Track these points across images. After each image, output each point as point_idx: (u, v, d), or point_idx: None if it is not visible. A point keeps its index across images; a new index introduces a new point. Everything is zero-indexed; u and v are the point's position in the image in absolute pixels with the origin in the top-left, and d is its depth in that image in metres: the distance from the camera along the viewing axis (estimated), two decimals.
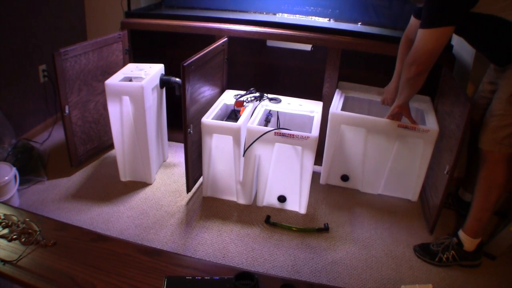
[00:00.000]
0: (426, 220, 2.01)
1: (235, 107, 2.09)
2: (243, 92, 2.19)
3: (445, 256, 1.74)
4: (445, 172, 1.77)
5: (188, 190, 2.05)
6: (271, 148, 1.90)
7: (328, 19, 2.52)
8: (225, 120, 2.11)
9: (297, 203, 2.02)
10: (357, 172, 2.17)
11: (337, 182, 2.24)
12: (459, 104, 1.75)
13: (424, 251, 1.79)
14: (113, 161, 2.27)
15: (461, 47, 2.17)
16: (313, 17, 2.54)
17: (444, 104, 2.01)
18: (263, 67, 2.70)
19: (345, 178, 2.21)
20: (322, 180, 2.26)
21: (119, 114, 2.03)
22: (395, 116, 1.97)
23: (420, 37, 1.59)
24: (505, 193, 2.13)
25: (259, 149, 1.91)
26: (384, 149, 2.05)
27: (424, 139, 1.96)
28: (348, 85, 2.35)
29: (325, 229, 1.92)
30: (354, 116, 2.03)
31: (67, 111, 2.11)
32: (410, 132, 1.96)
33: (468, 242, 1.72)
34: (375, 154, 2.08)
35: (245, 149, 1.92)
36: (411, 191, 2.14)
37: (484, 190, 1.68)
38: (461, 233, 1.75)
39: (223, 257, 1.73)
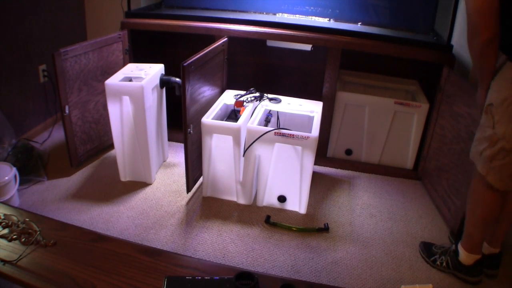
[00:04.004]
0: (446, 222, 1.99)
1: (235, 107, 2.09)
2: (243, 92, 2.19)
3: (440, 259, 1.71)
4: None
5: (188, 190, 2.05)
6: (271, 148, 1.90)
7: (328, 19, 2.52)
8: (225, 120, 2.11)
9: (297, 203, 2.02)
10: (360, 146, 2.42)
11: (342, 156, 2.47)
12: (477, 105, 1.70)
13: (425, 248, 1.79)
14: (113, 161, 2.27)
15: (461, 47, 2.17)
16: (313, 17, 2.54)
17: (453, 105, 1.99)
18: (263, 67, 2.70)
19: (349, 152, 2.45)
20: (329, 154, 2.48)
21: (119, 114, 2.03)
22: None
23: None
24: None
25: (259, 149, 1.91)
26: (383, 124, 2.32)
27: (417, 113, 2.25)
28: (346, 72, 2.56)
29: (325, 229, 1.92)
30: (357, 95, 2.30)
31: (67, 111, 2.11)
32: (405, 108, 2.24)
33: (463, 254, 1.65)
34: (375, 129, 2.35)
35: (245, 149, 1.92)
36: (407, 160, 2.39)
37: (471, 204, 1.59)
38: (459, 243, 1.68)
39: (223, 257, 1.73)
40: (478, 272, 1.66)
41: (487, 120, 1.44)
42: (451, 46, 2.16)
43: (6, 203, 1.62)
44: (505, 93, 1.36)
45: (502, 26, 1.32)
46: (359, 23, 2.47)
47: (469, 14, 1.32)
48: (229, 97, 2.20)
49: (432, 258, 1.74)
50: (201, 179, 2.16)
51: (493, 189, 1.50)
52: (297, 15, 2.55)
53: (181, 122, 1.85)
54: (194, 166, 2.06)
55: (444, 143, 2.08)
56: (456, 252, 1.68)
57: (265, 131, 1.85)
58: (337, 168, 2.44)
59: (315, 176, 2.25)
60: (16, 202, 1.96)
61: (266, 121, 2.11)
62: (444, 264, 1.70)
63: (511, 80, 1.35)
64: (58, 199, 2.03)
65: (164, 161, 2.41)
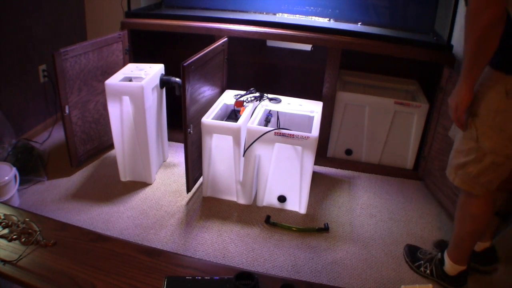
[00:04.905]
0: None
1: (235, 107, 2.08)
2: (243, 92, 2.19)
3: (424, 266, 1.68)
4: None
5: (188, 190, 2.05)
6: (271, 148, 1.90)
7: (328, 19, 2.52)
8: (225, 120, 2.11)
9: (297, 203, 2.02)
10: (360, 146, 2.42)
11: (342, 156, 2.47)
12: None
13: (410, 252, 1.76)
14: (113, 161, 2.27)
15: (461, 47, 2.17)
16: (313, 17, 2.54)
17: None
18: (263, 67, 2.70)
19: (349, 152, 2.45)
20: (329, 154, 2.48)
21: (119, 114, 2.03)
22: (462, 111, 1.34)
23: None
24: (505, 193, 2.10)
25: (259, 149, 1.91)
26: (383, 124, 2.32)
27: (417, 113, 2.25)
28: (346, 72, 2.57)
29: (325, 229, 1.92)
30: (357, 96, 2.31)
31: (67, 111, 2.11)
32: (405, 108, 2.25)
33: (448, 264, 1.60)
34: (375, 129, 2.34)
35: (245, 149, 1.92)
36: (407, 160, 2.39)
37: (459, 218, 1.54)
38: (445, 252, 1.64)
39: (223, 257, 1.73)
40: (461, 283, 1.62)
41: (469, 133, 1.36)
42: (451, 46, 2.16)
43: (6, 203, 1.62)
44: (493, 105, 1.28)
45: None
46: (359, 23, 2.47)
47: None
48: (229, 97, 2.20)
49: (417, 264, 1.70)
50: (201, 179, 2.16)
51: (481, 203, 1.45)
52: (297, 15, 2.55)
53: (181, 122, 1.85)
54: (194, 166, 2.06)
55: (448, 143, 2.07)
56: (441, 261, 1.64)
57: (265, 131, 1.85)
58: (337, 168, 2.44)
59: (315, 176, 2.25)
60: (16, 202, 1.96)
61: (266, 121, 2.11)
62: (428, 271, 1.67)
63: (501, 91, 1.26)
64: (58, 199, 2.03)
65: (164, 161, 2.41)
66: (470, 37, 1.20)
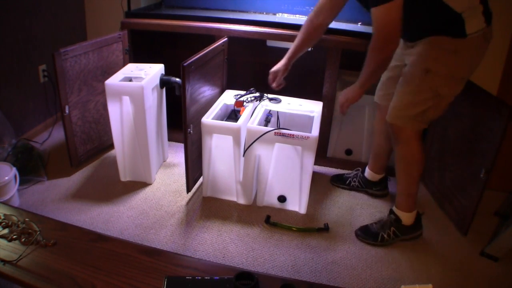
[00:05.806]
0: (452, 221, 2.00)
1: (235, 107, 2.09)
2: (243, 92, 2.19)
3: (386, 233, 1.80)
4: (481, 175, 1.75)
5: (188, 190, 2.05)
6: (271, 148, 1.90)
7: None
8: (225, 120, 2.11)
9: (297, 203, 2.02)
10: (360, 146, 2.42)
11: (342, 156, 2.47)
12: (488, 107, 1.76)
13: (365, 234, 1.84)
14: (113, 161, 2.27)
15: None
16: None
17: (456, 105, 1.94)
18: (263, 67, 2.69)
19: (349, 152, 2.46)
20: (329, 154, 2.47)
21: (119, 114, 2.03)
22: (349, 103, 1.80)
23: (377, 16, 1.49)
24: (504, 193, 2.12)
25: (259, 149, 1.91)
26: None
27: None
28: (346, 72, 2.55)
29: (325, 229, 1.92)
30: None
31: (67, 111, 2.11)
32: None
33: (405, 216, 1.80)
34: None
35: (245, 149, 1.92)
36: None
37: (405, 169, 1.75)
38: (396, 210, 1.82)
39: (223, 257, 1.73)
40: (419, 225, 1.84)
41: (422, 86, 1.60)
42: None
43: (6, 203, 1.63)
44: (445, 61, 1.57)
45: (427, 14, 1.55)
46: (359, 23, 2.47)
47: (384, 25, 1.48)
48: (229, 97, 2.20)
49: (379, 238, 1.80)
50: (201, 179, 2.16)
51: (420, 145, 1.70)
52: (297, 15, 2.55)
53: (181, 122, 1.85)
54: (194, 166, 2.06)
55: (448, 143, 2.07)
56: (397, 220, 1.81)
57: (265, 131, 1.86)
58: (337, 168, 2.44)
59: (315, 176, 2.25)
60: (16, 202, 1.96)
61: (266, 121, 2.11)
62: (392, 234, 1.79)
63: (450, 50, 1.54)
64: (58, 199, 2.03)
65: (164, 161, 2.41)
66: (371, 63, 1.58)
